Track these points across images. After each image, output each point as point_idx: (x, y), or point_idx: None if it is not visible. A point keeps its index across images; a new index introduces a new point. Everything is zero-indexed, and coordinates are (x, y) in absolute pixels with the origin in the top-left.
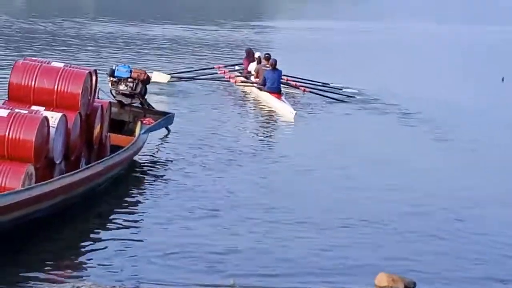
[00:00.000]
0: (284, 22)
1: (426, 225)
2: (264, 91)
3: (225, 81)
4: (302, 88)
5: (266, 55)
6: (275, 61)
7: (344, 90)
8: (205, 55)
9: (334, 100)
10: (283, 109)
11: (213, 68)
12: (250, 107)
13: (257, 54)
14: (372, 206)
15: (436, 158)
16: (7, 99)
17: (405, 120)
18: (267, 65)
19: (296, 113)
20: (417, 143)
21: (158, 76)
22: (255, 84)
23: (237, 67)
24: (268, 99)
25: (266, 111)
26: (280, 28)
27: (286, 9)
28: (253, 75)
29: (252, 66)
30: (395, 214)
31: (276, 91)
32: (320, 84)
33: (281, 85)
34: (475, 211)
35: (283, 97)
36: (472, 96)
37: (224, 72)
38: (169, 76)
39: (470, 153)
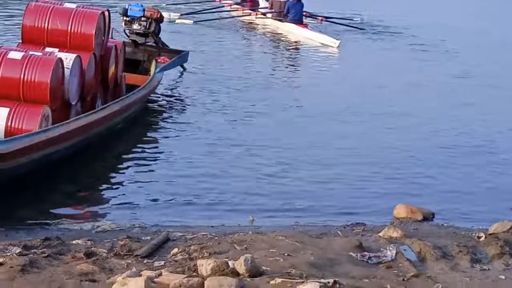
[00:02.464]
0: None
1: (445, 158)
2: (286, 22)
3: (245, 15)
4: (319, 17)
5: None
6: None
7: (358, 19)
8: None
9: (352, 28)
10: (322, 39)
11: (218, 1)
12: (272, 38)
13: None
14: (391, 140)
15: (463, 93)
16: (20, 42)
17: (428, 52)
18: None
19: (340, 42)
20: (446, 76)
21: (182, 20)
22: (269, 15)
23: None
24: (296, 30)
25: (293, 42)
26: None
27: None
28: (266, 8)
29: None
30: (414, 147)
31: (300, 22)
32: (334, 16)
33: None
34: (497, 146)
35: (309, 27)
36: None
37: (231, 5)
38: (192, 21)
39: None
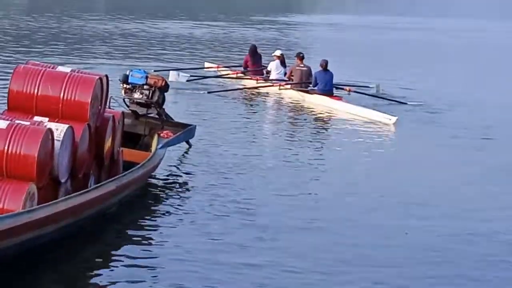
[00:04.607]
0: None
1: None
2: (316, 93)
3: (267, 86)
4: (347, 88)
5: (300, 55)
6: (326, 62)
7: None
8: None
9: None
10: (372, 115)
11: (206, 68)
12: (296, 112)
13: (278, 52)
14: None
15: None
16: (6, 108)
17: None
18: (301, 65)
19: (397, 119)
20: (466, 154)
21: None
22: (288, 86)
23: (229, 70)
24: (332, 104)
25: (328, 117)
26: (310, 24)
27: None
28: (282, 78)
29: (272, 65)
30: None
31: (331, 94)
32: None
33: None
34: None
35: (344, 100)
36: None
37: (236, 73)
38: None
39: None
